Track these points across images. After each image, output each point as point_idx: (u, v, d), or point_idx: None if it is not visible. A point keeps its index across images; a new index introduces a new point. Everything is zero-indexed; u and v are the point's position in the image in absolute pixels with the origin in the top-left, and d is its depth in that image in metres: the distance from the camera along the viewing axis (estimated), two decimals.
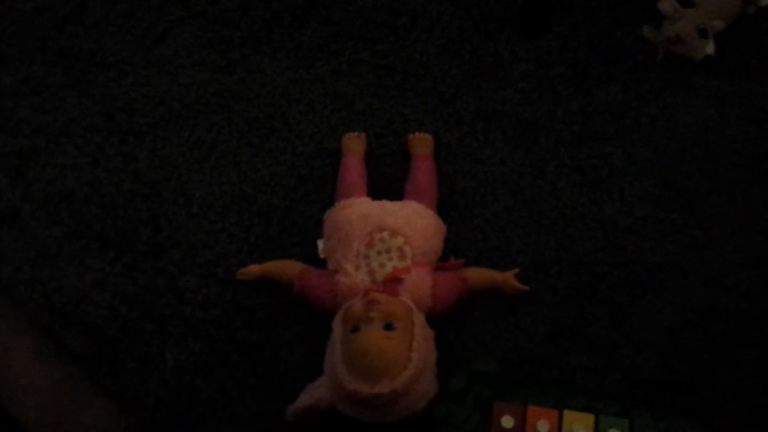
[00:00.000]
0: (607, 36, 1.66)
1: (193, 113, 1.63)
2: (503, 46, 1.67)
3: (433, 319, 1.32)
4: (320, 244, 1.44)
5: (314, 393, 1.27)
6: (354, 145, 1.54)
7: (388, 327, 1.23)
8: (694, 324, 1.38)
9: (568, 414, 1.23)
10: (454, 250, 1.44)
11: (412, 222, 1.38)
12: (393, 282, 1.31)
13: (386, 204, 1.42)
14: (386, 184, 1.50)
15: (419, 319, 1.28)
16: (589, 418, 1.23)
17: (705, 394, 1.33)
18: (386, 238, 1.35)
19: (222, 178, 1.55)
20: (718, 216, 1.46)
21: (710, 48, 1.58)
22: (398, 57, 1.67)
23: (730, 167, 1.51)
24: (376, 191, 1.47)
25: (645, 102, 1.58)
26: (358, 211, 1.40)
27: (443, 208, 1.47)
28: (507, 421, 1.22)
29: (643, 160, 1.53)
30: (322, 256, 1.42)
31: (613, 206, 1.49)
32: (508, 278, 1.40)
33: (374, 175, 1.51)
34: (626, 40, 1.64)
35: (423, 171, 1.50)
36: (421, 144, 1.54)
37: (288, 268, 1.41)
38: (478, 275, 1.40)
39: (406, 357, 1.22)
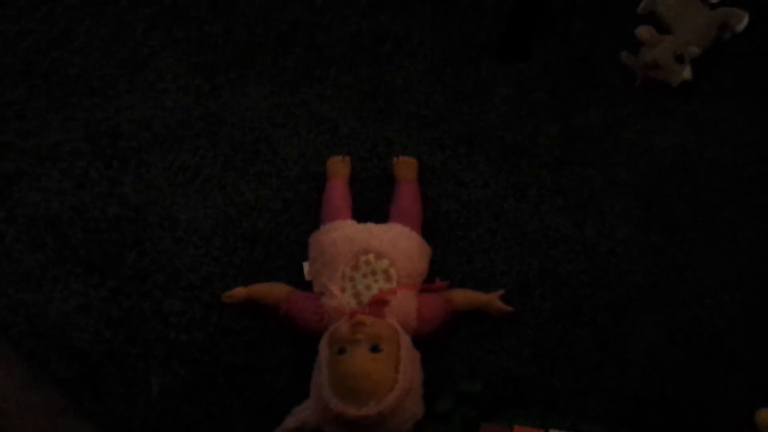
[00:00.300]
0: (586, 62, 1.69)
1: (177, 137, 1.63)
2: (484, 72, 1.69)
3: (418, 340, 1.32)
4: (306, 266, 1.44)
5: (300, 416, 1.27)
6: (338, 168, 1.56)
7: (375, 349, 1.23)
8: (675, 343, 1.40)
9: None
10: (439, 272, 1.45)
11: (398, 244, 1.39)
12: (379, 304, 1.32)
13: (371, 226, 1.43)
14: (371, 208, 1.51)
15: (405, 340, 1.28)
16: None
17: (688, 413, 1.34)
18: (372, 261, 1.36)
19: (207, 202, 1.55)
20: (698, 238, 1.49)
21: (687, 73, 1.62)
22: (381, 82, 1.69)
23: (708, 190, 1.54)
24: (361, 214, 1.47)
25: (624, 126, 1.61)
26: (343, 233, 1.41)
27: (428, 231, 1.48)
28: None
29: (623, 183, 1.55)
30: (307, 278, 1.43)
31: (595, 229, 1.51)
32: (492, 299, 1.41)
33: (359, 198, 1.52)
34: (605, 66, 1.68)
35: (407, 194, 1.51)
36: (406, 167, 1.56)
37: (274, 290, 1.41)
38: (463, 297, 1.41)
39: (393, 379, 1.22)
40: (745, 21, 1.65)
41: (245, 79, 1.70)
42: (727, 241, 1.48)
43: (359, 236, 1.40)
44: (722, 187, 1.54)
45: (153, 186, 1.57)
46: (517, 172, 1.58)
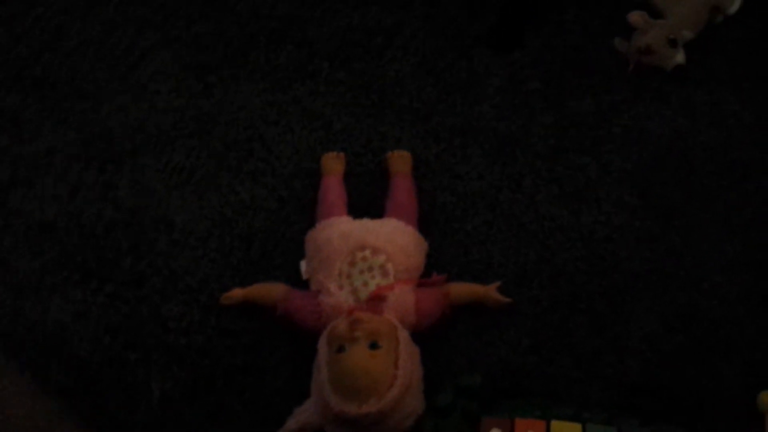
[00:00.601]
0: (578, 49, 1.68)
1: (171, 138, 1.63)
2: (477, 63, 1.68)
3: (417, 335, 1.32)
4: (303, 265, 1.45)
5: (301, 417, 1.27)
6: (333, 164, 1.56)
7: (373, 346, 1.24)
8: (673, 329, 1.40)
9: (555, 424, 1.24)
10: (436, 265, 1.45)
11: (394, 239, 1.39)
12: (376, 300, 1.32)
13: (367, 222, 1.43)
14: (366, 203, 1.51)
15: (404, 336, 1.29)
16: (576, 428, 1.24)
17: (687, 399, 1.34)
18: (368, 257, 1.36)
19: (202, 203, 1.55)
20: (694, 222, 1.49)
21: (680, 57, 1.61)
22: (374, 76, 1.69)
23: (704, 174, 1.53)
24: (356, 210, 1.47)
25: (618, 113, 1.60)
26: (338, 230, 1.41)
27: (423, 224, 1.48)
28: None
29: (618, 170, 1.55)
30: (305, 277, 1.43)
31: (591, 216, 1.50)
32: (490, 291, 1.41)
33: (354, 193, 1.52)
34: (598, 53, 1.66)
35: (402, 188, 1.51)
36: (400, 161, 1.55)
37: (271, 291, 1.41)
38: (461, 290, 1.41)
39: (392, 375, 1.23)
40: (737, 4, 1.64)
41: (237, 78, 1.70)
42: (723, 226, 1.48)
43: (355, 232, 1.40)
44: (717, 171, 1.53)
45: (148, 188, 1.57)
46: (511, 162, 1.57)
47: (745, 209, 1.49)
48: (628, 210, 1.51)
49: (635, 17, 1.62)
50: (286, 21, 1.76)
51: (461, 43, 1.71)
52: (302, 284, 1.43)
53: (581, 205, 1.52)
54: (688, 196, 1.51)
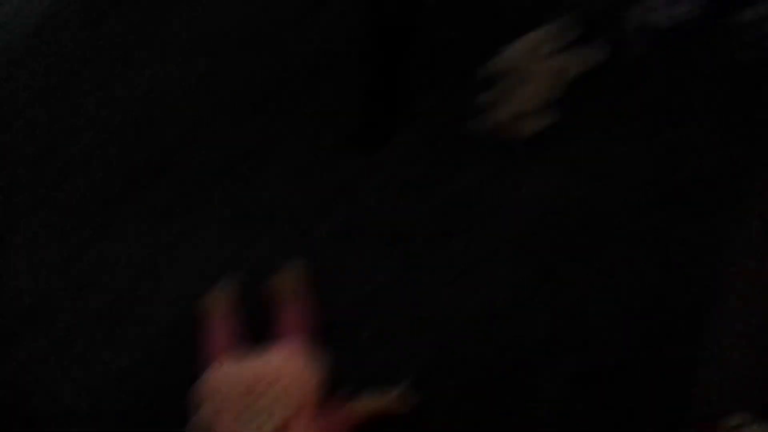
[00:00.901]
0: (444, 133, 1.67)
1: (46, 314, 1.58)
2: (351, 163, 1.67)
3: None
4: (198, 418, 1.38)
5: None
6: (217, 305, 1.52)
7: None
8: (578, 396, 1.38)
9: None
10: (338, 379, 1.40)
11: (286, 369, 1.36)
12: None
13: (257, 358, 1.39)
14: (259, 329, 1.47)
15: None
16: None
17: None
18: (264, 392, 1.32)
19: (84, 378, 1.50)
20: (581, 281, 1.48)
21: (542, 121, 1.61)
22: (253, 199, 1.67)
23: (584, 230, 1.53)
24: (251, 338, 1.44)
25: (495, 185, 1.60)
26: (229, 372, 1.37)
27: (320, 338, 1.44)
28: None
29: (502, 244, 1.54)
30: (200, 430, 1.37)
31: (482, 296, 1.49)
32: (392, 400, 1.39)
33: (246, 320, 1.48)
34: (464, 133, 1.66)
35: (291, 311, 1.48)
36: (288, 283, 1.53)
37: None
38: (363, 407, 1.38)
39: None
40: (588, 63, 1.64)
41: (108, 232, 1.66)
42: (607, 279, 1.47)
43: (245, 371, 1.36)
44: (594, 225, 1.53)
45: (28, 371, 1.51)
46: (402, 256, 1.56)
47: (625, 257, 1.48)
48: (517, 281, 1.49)
49: (486, 97, 1.64)
50: (149, 160, 1.73)
51: (332, 149, 1.70)
52: None
53: (470, 287, 1.50)
54: (572, 255, 1.51)
